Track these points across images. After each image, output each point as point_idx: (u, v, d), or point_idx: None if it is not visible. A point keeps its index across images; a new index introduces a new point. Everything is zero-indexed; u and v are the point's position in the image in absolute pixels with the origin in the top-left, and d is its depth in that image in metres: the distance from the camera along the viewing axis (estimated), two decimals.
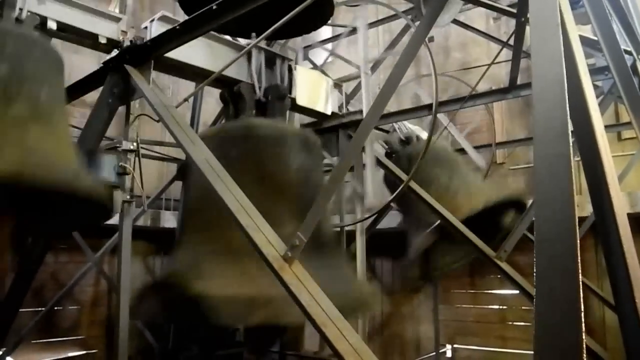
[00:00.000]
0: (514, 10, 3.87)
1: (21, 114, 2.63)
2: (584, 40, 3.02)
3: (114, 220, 3.43)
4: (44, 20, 3.18)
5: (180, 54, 3.57)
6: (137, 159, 3.45)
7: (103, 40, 3.45)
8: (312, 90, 4.56)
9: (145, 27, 3.72)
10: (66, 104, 3.17)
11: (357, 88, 6.48)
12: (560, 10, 1.75)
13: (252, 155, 3.28)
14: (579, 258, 1.29)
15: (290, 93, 4.32)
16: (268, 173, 3.26)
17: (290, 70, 4.38)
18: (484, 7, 4.03)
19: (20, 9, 2.98)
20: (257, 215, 2.42)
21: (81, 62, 3.55)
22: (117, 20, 3.50)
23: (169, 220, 7.70)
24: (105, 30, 3.46)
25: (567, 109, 1.17)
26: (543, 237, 1.32)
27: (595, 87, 5.75)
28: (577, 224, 1.30)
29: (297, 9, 2.77)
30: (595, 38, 2.52)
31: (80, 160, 2.99)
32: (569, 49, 1.65)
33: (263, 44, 4.18)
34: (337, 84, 5.06)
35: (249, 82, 4.03)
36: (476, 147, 7.19)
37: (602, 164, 1.62)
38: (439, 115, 6.24)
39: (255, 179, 3.17)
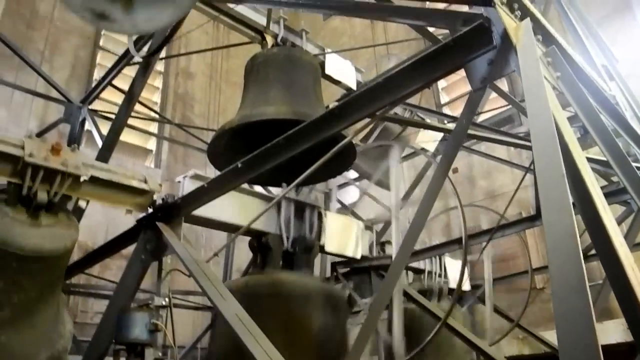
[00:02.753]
0: (529, 143, 3.95)
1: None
2: (604, 163, 3.02)
3: None
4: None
5: (210, 209, 3.70)
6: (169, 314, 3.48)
7: (132, 209, 3.62)
8: (342, 235, 4.59)
9: (179, 181, 3.91)
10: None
11: (387, 224, 6.51)
12: (569, 149, 1.80)
13: (277, 313, 3.24)
14: None
15: (319, 239, 4.37)
16: (292, 330, 3.21)
17: (320, 217, 4.44)
18: (497, 143, 4.14)
19: (56, 193, 3.19)
20: None
21: (121, 216, 3.71)
22: (146, 193, 3.65)
23: None
24: (135, 201, 3.63)
25: (582, 262, 1.16)
26: None
27: (626, 204, 5.70)
28: None
29: (321, 161, 2.88)
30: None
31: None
32: (584, 189, 1.66)
33: (292, 193, 4.29)
34: (368, 226, 5.10)
35: (277, 233, 4.11)
36: (513, 275, 6.99)
37: (636, 298, 1.56)
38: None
39: (280, 336, 3.12)
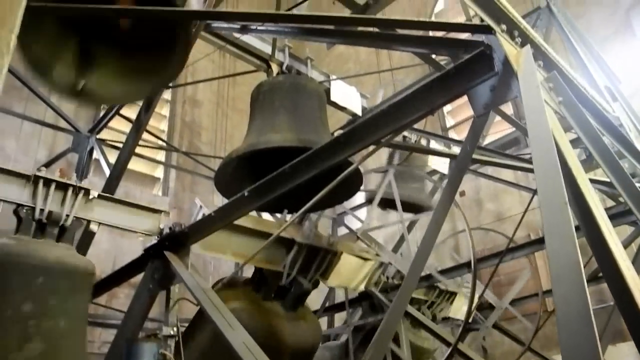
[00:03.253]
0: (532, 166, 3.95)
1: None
2: (611, 185, 3.01)
3: None
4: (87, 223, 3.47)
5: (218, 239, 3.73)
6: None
7: (144, 233, 3.66)
8: (350, 273, 4.62)
9: (199, 205, 3.95)
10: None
11: (394, 249, 6.50)
12: (572, 173, 1.81)
13: None
14: None
15: (325, 275, 4.41)
16: None
17: (333, 258, 4.46)
18: (503, 167, 4.15)
19: (67, 215, 3.23)
20: None
21: (128, 245, 3.74)
22: (157, 212, 3.70)
23: None
24: (145, 224, 3.67)
25: (586, 290, 1.16)
26: None
27: (635, 224, 5.65)
28: None
29: (328, 188, 2.87)
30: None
31: None
32: (588, 213, 1.66)
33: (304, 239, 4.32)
34: (383, 262, 5.10)
35: (279, 270, 4.17)
36: (523, 298, 6.92)
37: None
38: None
39: None
